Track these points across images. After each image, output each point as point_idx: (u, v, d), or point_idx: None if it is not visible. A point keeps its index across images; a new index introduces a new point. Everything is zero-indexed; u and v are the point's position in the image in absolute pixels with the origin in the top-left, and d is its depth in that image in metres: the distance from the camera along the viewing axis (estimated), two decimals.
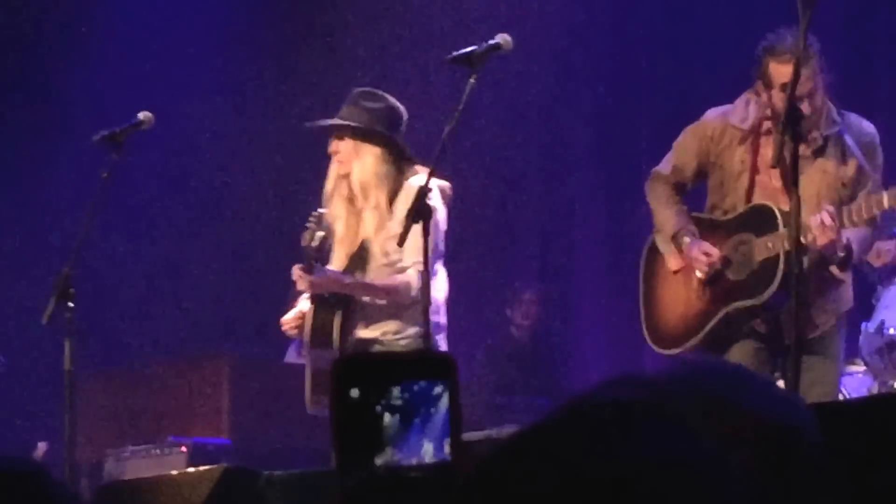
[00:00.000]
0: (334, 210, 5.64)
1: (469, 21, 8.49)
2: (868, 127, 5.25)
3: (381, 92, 5.70)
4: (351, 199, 5.61)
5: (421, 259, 5.36)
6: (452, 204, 5.63)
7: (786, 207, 4.84)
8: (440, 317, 5.61)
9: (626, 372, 1.18)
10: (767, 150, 5.07)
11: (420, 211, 4.95)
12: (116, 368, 8.41)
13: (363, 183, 5.55)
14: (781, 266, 5.04)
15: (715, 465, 1.03)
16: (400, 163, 5.57)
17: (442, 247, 5.57)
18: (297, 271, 5.48)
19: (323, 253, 5.59)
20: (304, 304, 5.65)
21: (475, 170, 9.05)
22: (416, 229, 5.31)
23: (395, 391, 1.70)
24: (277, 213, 8.56)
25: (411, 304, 5.49)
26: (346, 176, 5.59)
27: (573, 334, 9.29)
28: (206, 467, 5.28)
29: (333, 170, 5.64)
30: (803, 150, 4.85)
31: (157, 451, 7.48)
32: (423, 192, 4.99)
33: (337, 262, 5.64)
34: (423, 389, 1.69)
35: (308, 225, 5.51)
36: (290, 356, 5.75)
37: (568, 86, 9.28)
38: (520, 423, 7.14)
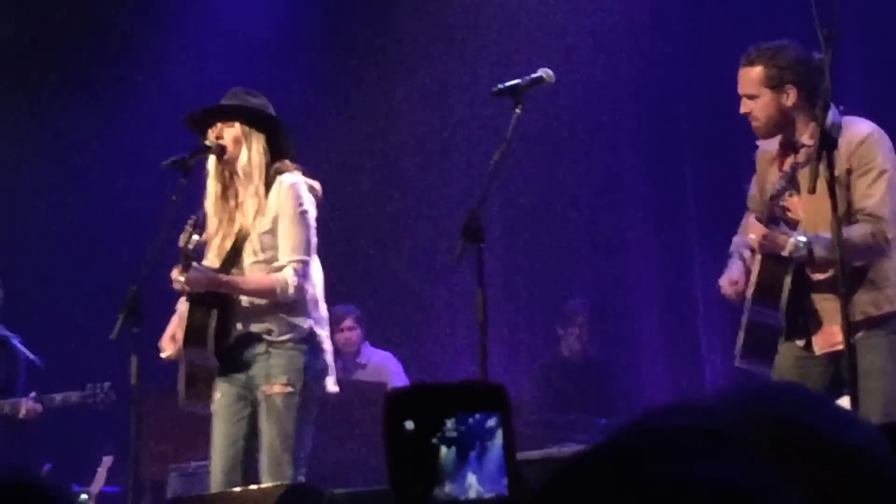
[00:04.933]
0: (209, 206, 5.69)
1: (515, 52, 8.64)
2: (860, 126, 5.20)
3: (254, 91, 5.80)
4: (225, 195, 5.67)
5: (298, 257, 5.51)
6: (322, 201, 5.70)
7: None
8: (320, 311, 5.65)
9: (686, 399, 1.16)
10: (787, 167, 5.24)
11: (473, 231, 4.99)
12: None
13: (247, 169, 5.61)
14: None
15: (772, 492, 1.02)
16: (273, 156, 5.65)
17: (315, 241, 5.61)
18: (174, 273, 5.51)
19: (199, 254, 5.64)
20: (173, 325, 5.67)
21: (528, 190, 9.09)
22: (291, 227, 5.51)
23: (450, 423, 1.70)
24: (337, 227, 8.58)
25: (294, 302, 5.53)
26: (226, 163, 5.64)
27: (629, 352, 9.25)
28: (270, 485, 5.27)
29: (213, 164, 5.69)
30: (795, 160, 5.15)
31: None
32: (476, 213, 5.01)
33: (212, 259, 5.67)
34: (477, 422, 1.69)
35: (186, 227, 5.53)
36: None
37: (617, 109, 9.31)
38: (578, 442, 7.16)
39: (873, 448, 1.15)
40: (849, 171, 5.08)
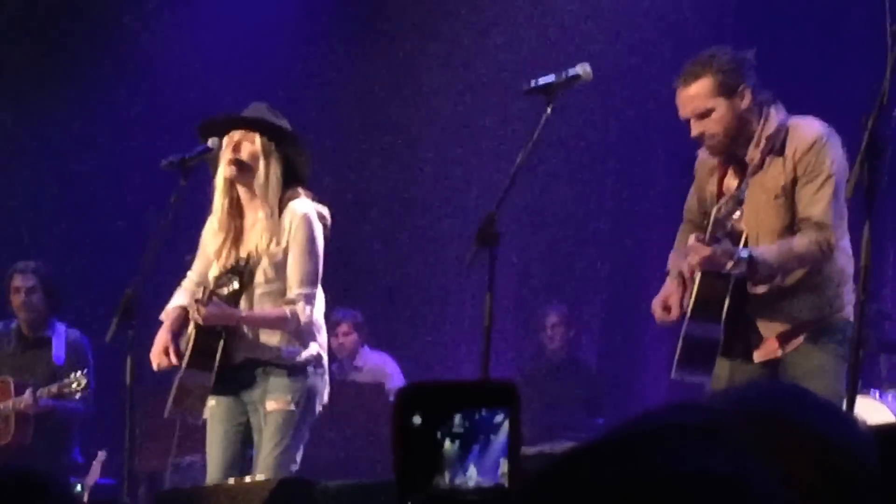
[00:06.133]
0: (214, 221, 5.56)
1: (545, 51, 8.51)
2: (807, 131, 4.98)
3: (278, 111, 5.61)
4: (232, 212, 5.53)
5: (308, 290, 5.43)
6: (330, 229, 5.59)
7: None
8: (323, 334, 5.61)
9: (687, 398, 1.22)
10: (729, 180, 5.06)
11: (489, 236, 4.82)
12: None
13: (263, 188, 5.46)
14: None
15: (763, 485, 1.04)
16: (288, 181, 5.49)
17: (321, 271, 5.53)
18: (195, 305, 5.45)
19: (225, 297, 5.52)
20: (173, 302, 5.61)
21: (542, 194, 9.02)
22: (302, 259, 5.41)
23: (457, 419, 1.78)
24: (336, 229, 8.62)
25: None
26: (235, 180, 5.48)
27: (641, 358, 9.25)
28: (263, 478, 5.33)
29: (221, 179, 5.52)
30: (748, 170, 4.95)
31: None
32: (493, 217, 4.84)
33: (214, 277, 5.54)
34: (484, 418, 1.77)
35: (231, 274, 5.45)
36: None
37: (640, 116, 9.15)
38: (572, 439, 7.18)
39: (862, 449, 1.18)
40: (794, 182, 4.91)
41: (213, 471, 5.63)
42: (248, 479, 5.37)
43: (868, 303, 4.56)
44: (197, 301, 5.45)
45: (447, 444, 1.81)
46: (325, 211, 5.59)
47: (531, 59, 8.39)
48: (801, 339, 4.96)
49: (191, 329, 5.54)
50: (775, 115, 4.99)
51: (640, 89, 8.99)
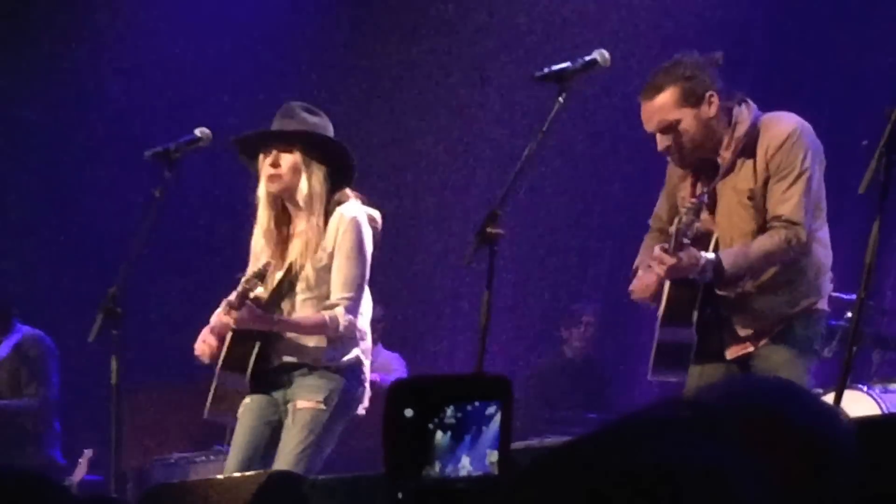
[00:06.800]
0: (259, 234, 5.47)
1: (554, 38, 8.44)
2: (778, 128, 4.87)
3: (314, 107, 5.46)
4: (278, 224, 5.42)
5: (350, 294, 5.32)
6: (381, 233, 5.46)
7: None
8: (367, 341, 5.49)
9: (677, 395, 1.27)
10: (701, 185, 4.98)
11: (490, 235, 4.71)
12: (163, 381, 8.44)
13: (307, 200, 5.34)
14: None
15: (744, 474, 1.07)
16: (333, 183, 5.36)
17: (367, 275, 5.42)
18: (225, 307, 5.36)
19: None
20: (211, 327, 5.50)
21: (539, 188, 8.95)
22: (347, 263, 5.30)
23: (449, 411, 1.82)
24: None
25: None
26: (278, 194, 5.37)
27: (638, 357, 9.28)
28: (252, 472, 5.33)
29: (263, 192, 5.39)
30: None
31: (203, 457, 7.58)
32: (496, 215, 4.73)
33: (261, 291, 5.41)
34: (476, 409, 1.80)
35: (251, 274, 5.34)
36: None
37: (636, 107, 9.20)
38: (561, 434, 7.18)
39: (842, 441, 1.21)
40: (766, 181, 4.83)
41: (231, 465, 5.52)
42: (236, 474, 5.34)
43: (867, 300, 4.48)
44: (229, 304, 5.37)
45: (439, 435, 1.84)
46: (376, 213, 5.46)
47: (538, 50, 8.32)
48: (777, 329, 4.90)
49: (221, 323, 5.45)
50: (746, 115, 4.90)
51: (636, 87, 8.97)
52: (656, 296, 4.98)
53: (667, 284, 4.91)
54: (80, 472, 7.68)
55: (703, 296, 4.86)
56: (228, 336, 5.43)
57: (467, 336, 8.98)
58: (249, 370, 5.39)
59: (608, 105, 8.91)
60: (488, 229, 4.66)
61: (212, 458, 7.50)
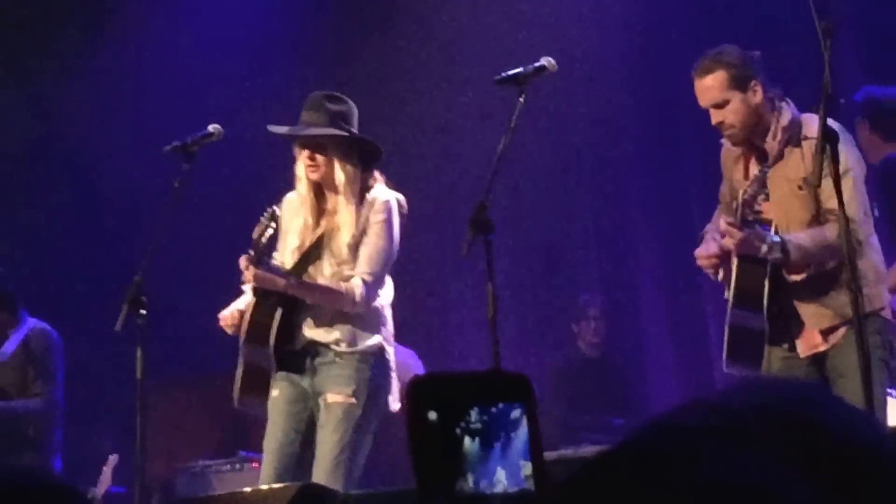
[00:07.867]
0: (298, 201, 5.64)
1: (518, 41, 8.57)
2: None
3: (337, 93, 5.72)
4: (317, 197, 5.62)
5: (369, 269, 5.49)
6: (407, 216, 5.69)
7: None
8: (389, 328, 5.63)
9: (701, 396, 1.15)
10: (753, 168, 5.27)
11: (482, 223, 4.99)
12: (187, 377, 8.42)
13: (344, 187, 5.56)
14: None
15: (787, 491, 1.03)
16: (364, 165, 5.62)
17: (393, 258, 5.61)
18: (244, 261, 5.44)
19: (270, 249, 5.60)
20: (242, 301, 5.62)
21: (533, 185, 9.05)
22: (373, 240, 5.51)
23: (473, 414, 1.67)
24: None
25: (364, 315, 5.51)
26: (317, 181, 5.59)
27: (637, 349, 9.21)
28: (281, 485, 5.21)
29: (304, 174, 5.62)
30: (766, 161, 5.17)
31: (229, 466, 7.49)
32: (484, 204, 5.01)
33: (288, 257, 5.62)
34: (501, 412, 1.66)
35: (261, 219, 5.47)
36: None
37: (623, 99, 9.22)
38: (593, 443, 7.09)
39: (885, 449, 1.14)
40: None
41: (266, 474, 5.53)
42: (264, 487, 5.26)
43: None
44: (248, 258, 5.43)
45: (467, 441, 1.69)
46: (403, 199, 5.70)
47: (507, 51, 8.35)
48: (842, 332, 5.06)
49: (249, 302, 5.54)
50: (787, 109, 5.22)
51: (636, 81, 8.98)
52: (718, 267, 5.23)
53: (734, 264, 5.12)
54: (105, 482, 7.46)
55: (771, 281, 5.07)
56: (250, 306, 5.51)
57: (472, 330, 8.91)
58: (272, 341, 5.46)
59: (607, 101, 9.05)
60: (479, 219, 4.98)
61: (237, 466, 7.44)
